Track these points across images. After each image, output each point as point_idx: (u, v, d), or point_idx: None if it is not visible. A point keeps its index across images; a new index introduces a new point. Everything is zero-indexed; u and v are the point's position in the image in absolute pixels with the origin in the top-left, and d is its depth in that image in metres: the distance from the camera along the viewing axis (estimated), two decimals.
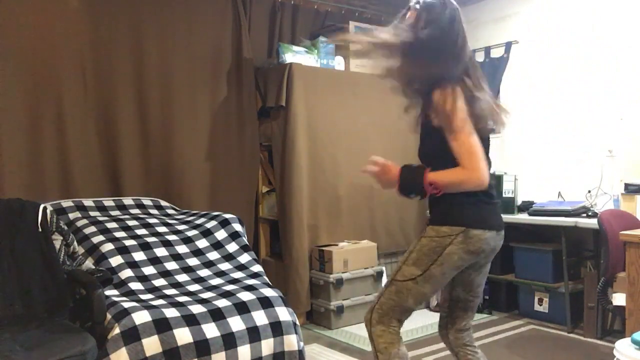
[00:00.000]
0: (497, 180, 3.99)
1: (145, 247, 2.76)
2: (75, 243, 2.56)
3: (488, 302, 4.13)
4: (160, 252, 2.77)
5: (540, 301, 3.87)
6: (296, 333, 2.56)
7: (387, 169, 1.86)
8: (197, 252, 2.88)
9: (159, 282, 2.61)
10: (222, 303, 2.45)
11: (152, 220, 3.03)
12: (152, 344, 2.19)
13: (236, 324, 2.40)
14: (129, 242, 2.74)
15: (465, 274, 1.94)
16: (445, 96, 1.74)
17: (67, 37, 3.26)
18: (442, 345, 3.38)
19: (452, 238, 1.80)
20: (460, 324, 2.04)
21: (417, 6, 1.87)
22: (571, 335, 3.59)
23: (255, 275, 2.80)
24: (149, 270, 2.65)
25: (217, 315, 2.38)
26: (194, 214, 3.26)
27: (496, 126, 1.95)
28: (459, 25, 1.93)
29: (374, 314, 1.91)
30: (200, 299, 2.48)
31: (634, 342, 1.93)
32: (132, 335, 2.16)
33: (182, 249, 2.86)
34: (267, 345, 2.46)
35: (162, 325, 2.23)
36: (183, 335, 2.25)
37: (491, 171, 1.87)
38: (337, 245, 3.95)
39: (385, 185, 1.88)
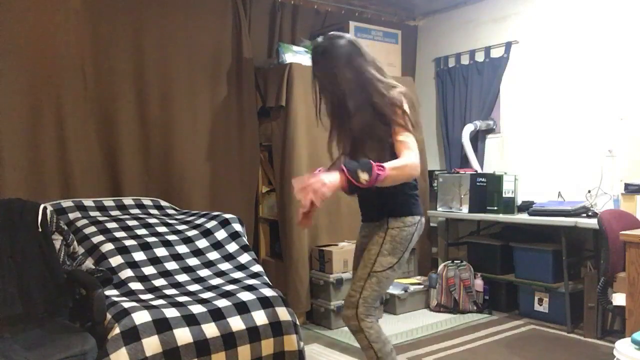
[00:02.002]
0: (497, 180, 4.00)
1: (145, 247, 2.76)
2: (75, 243, 2.56)
3: (488, 302, 4.13)
4: (160, 252, 2.77)
5: (540, 301, 3.87)
6: (296, 333, 2.56)
7: (313, 175, 1.87)
8: (197, 252, 2.88)
9: (159, 282, 2.61)
10: (222, 303, 2.45)
11: (152, 220, 3.03)
12: (152, 344, 2.19)
13: (236, 324, 2.40)
14: (129, 242, 2.74)
15: None
16: (403, 99, 2.02)
17: (67, 37, 3.26)
18: (442, 345, 3.40)
19: (415, 225, 2.12)
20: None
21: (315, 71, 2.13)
22: (571, 335, 3.59)
23: (255, 275, 2.80)
24: (149, 270, 2.65)
25: (217, 315, 2.38)
26: (194, 214, 3.26)
27: None
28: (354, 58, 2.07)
29: (360, 309, 2.07)
30: (200, 299, 2.48)
31: (634, 342, 1.93)
32: (132, 335, 2.16)
33: (182, 249, 2.86)
34: (267, 345, 2.46)
35: (162, 325, 2.23)
36: (183, 335, 2.25)
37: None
38: (337, 245, 3.95)
39: (321, 192, 1.81)
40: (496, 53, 4.44)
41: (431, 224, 4.67)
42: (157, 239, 2.85)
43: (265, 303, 2.54)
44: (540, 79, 4.18)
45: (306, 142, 3.84)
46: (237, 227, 3.08)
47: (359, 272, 2.14)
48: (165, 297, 2.47)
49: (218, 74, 3.90)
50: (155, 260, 2.71)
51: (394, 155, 1.98)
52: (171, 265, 2.73)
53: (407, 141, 1.97)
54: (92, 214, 2.98)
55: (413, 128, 2.00)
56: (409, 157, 1.94)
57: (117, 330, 2.15)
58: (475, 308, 4.09)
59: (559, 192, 4.04)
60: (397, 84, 2.10)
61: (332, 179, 1.83)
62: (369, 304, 2.08)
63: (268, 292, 2.61)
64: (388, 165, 1.88)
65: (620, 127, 3.71)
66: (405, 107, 2.01)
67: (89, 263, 2.61)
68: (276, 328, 2.50)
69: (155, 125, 3.62)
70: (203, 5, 3.81)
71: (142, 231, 2.88)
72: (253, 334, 2.43)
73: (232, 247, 2.97)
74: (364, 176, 1.83)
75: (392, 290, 4.04)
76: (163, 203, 3.40)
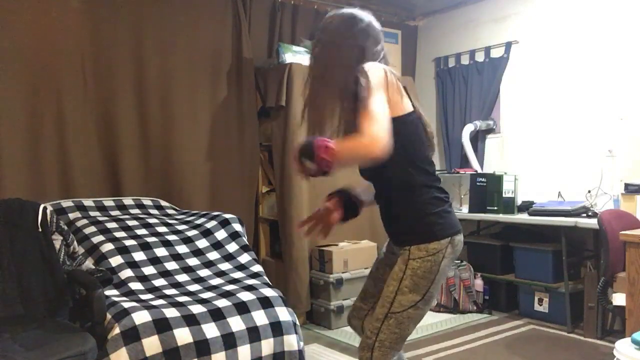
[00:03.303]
0: (497, 180, 4.00)
1: (145, 247, 2.76)
2: (75, 243, 2.56)
3: (488, 302, 4.13)
4: (160, 252, 2.77)
5: (540, 301, 3.87)
6: (296, 333, 2.56)
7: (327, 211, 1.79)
8: (197, 252, 2.88)
9: (159, 282, 2.61)
10: (222, 303, 2.45)
11: (152, 220, 3.03)
12: (152, 344, 2.19)
13: (236, 324, 2.40)
14: (129, 242, 2.74)
15: None
16: (367, 70, 1.64)
17: (67, 37, 3.26)
18: (442, 345, 3.39)
19: (443, 252, 1.72)
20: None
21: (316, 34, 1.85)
22: (571, 335, 3.59)
23: (255, 275, 2.80)
24: (149, 270, 2.65)
25: (217, 315, 2.38)
26: (194, 214, 3.26)
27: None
28: (356, 34, 1.75)
29: (375, 353, 1.73)
30: (200, 299, 2.48)
31: (634, 342, 1.92)
32: (132, 335, 2.16)
33: (182, 249, 2.86)
34: (267, 345, 2.46)
35: (162, 325, 2.23)
36: (183, 335, 2.25)
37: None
38: (337, 245, 3.95)
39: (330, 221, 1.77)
40: (496, 53, 4.44)
41: None
42: (157, 239, 2.85)
43: (265, 303, 2.54)
44: (540, 79, 4.17)
45: None
46: (237, 227, 3.08)
47: (377, 310, 1.76)
48: (165, 297, 2.47)
49: (218, 74, 3.89)
50: (155, 260, 2.72)
51: (405, 153, 1.68)
52: (171, 265, 2.73)
53: (365, 117, 1.53)
54: (92, 214, 2.98)
55: (373, 100, 1.57)
56: (370, 138, 1.49)
57: (117, 330, 2.15)
58: (475, 308, 4.09)
59: (559, 192, 4.03)
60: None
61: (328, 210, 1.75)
62: (387, 347, 1.72)
63: (268, 292, 2.61)
64: (342, 147, 1.52)
65: (620, 127, 3.71)
66: (372, 76, 1.62)
67: (89, 263, 2.61)
68: (276, 328, 2.50)
69: (155, 125, 3.62)
70: (203, 5, 3.81)
71: (142, 231, 2.88)
72: (253, 334, 2.43)
73: (232, 247, 2.97)
74: (309, 165, 1.52)
75: None
76: (163, 203, 3.40)
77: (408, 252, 1.72)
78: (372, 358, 1.73)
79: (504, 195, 3.97)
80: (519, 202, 4.04)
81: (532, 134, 4.24)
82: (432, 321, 3.89)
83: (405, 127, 1.68)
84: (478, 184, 4.08)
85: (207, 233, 3.00)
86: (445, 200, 1.78)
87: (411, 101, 1.74)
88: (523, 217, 3.86)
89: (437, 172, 1.84)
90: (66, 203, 2.99)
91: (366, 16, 1.79)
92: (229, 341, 2.35)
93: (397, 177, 1.73)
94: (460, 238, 1.78)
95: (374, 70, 1.64)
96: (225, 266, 2.85)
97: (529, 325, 3.81)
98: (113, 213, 3.08)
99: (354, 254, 3.88)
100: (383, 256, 2.02)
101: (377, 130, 1.51)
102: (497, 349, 3.34)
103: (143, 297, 2.44)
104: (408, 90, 1.76)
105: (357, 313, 2.00)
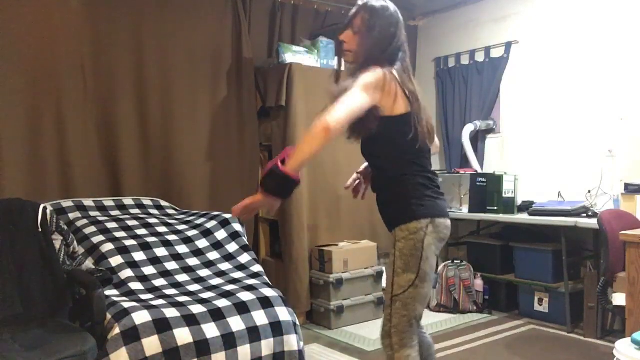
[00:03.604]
0: (497, 180, 3.99)
1: (145, 247, 2.76)
2: (75, 243, 2.56)
3: (488, 302, 4.13)
4: (160, 252, 2.77)
5: (540, 301, 3.87)
6: (296, 333, 2.56)
7: (249, 206, 1.73)
8: (197, 252, 2.88)
9: (159, 282, 2.61)
10: (222, 303, 2.45)
11: (152, 220, 3.03)
12: (152, 344, 2.19)
13: (236, 324, 2.40)
14: (129, 242, 2.74)
15: None
16: (363, 73, 1.79)
17: (67, 37, 3.26)
18: (442, 345, 3.39)
19: (424, 230, 1.83)
20: None
21: (362, 10, 1.93)
22: (571, 335, 3.59)
23: (255, 275, 2.80)
24: (149, 270, 2.65)
25: (217, 315, 2.38)
26: (194, 214, 3.26)
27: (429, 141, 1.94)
28: (395, 29, 1.92)
29: (394, 339, 1.87)
30: (200, 299, 2.48)
31: (634, 342, 1.92)
32: (132, 335, 2.16)
33: (182, 249, 2.86)
34: (267, 345, 2.46)
35: (162, 325, 2.23)
36: (183, 335, 2.25)
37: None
38: (337, 245, 3.95)
39: (261, 204, 1.73)
40: (496, 53, 4.44)
41: None
42: (157, 239, 2.85)
43: (265, 303, 2.54)
44: (540, 79, 4.17)
45: None
46: (237, 227, 3.08)
47: (385, 299, 1.93)
48: (165, 297, 2.47)
49: (218, 74, 3.89)
50: (155, 260, 2.72)
51: (395, 148, 1.85)
52: (171, 265, 2.73)
53: (338, 102, 1.73)
54: (92, 214, 2.98)
55: (348, 96, 1.73)
56: (321, 120, 1.68)
57: (117, 330, 2.15)
58: (475, 308, 4.09)
59: (559, 192, 4.03)
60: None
61: (254, 198, 1.71)
62: (402, 331, 1.85)
63: (268, 292, 2.61)
64: (297, 145, 1.72)
65: (620, 127, 3.71)
66: (363, 79, 1.77)
67: (89, 263, 2.61)
68: (276, 328, 2.50)
69: (155, 125, 3.62)
70: (203, 5, 3.81)
71: (142, 231, 2.88)
72: (253, 334, 2.43)
73: (232, 247, 2.97)
74: (269, 186, 1.69)
75: None
76: (163, 203, 3.40)
77: (395, 236, 1.88)
78: (392, 344, 1.87)
79: (504, 195, 3.97)
80: (519, 202, 4.04)
81: (532, 134, 4.24)
82: (432, 321, 3.89)
83: (397, 125, 1.84)
84: (478, 184, 4.08)
85: (207, 233, 3.00)
86: (430, 187, 1.90)
87: (410, 102, 1.85)
88: (523, 217, 3.86)
89: (434, 170, 1.98)
90: (66, 203, 2.99)
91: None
92: (229, 341, 2.35)
93: (387, 167, 1.91)
94: (443, 222, 1.89)
95: (370, 72, 1.79)
96: (225, 266, 2.85)
97: (529, 325, 3.81)
98: (113, 213, 3.08)
99: (354, 254, 3.88)
100: None
101: (330, 117, 1.69)
102: (497, 349, 3.34)
103: (143, 297, 2.44)
104: (415, 90, 1.88)
105: None
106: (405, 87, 1.86)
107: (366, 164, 2.12)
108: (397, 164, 1.89)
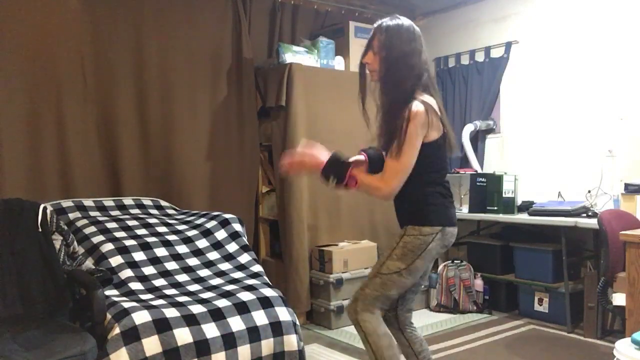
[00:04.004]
0: (497, 180, 4.00)
1: (145, 247, 2.76)
2: (75, 243, 2.56)
3: (488, 302, 4.13)
4: (160, 252, 2.77)
5: (540, 301, 3.87)
6: (296, 333, 2.56)
7: (312, 146, 2.09)
8: (197, 252, 2.88)
9: (159, 282, 2.61)
10: (222, 303, 2.45)
11: (152, 220, 3.03)
12: (152, 344, 2.19)
13: (236, 324, 2.40)
14: (129, 242, 2.74)
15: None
16: (409, 119, 1.95)
17: (67, 37, 3.26)
18: (442, 345, 3.39)
19: (433, 236, 2.05)
20: (410, 305, 2.30)
21: (377, 32, 2.09)
22: (571, 335, 3.59)
23: (255, 275, 2.80)
24: (149, 270, 2.65)
25: (217, 315, 2.38)
26: (194, 214, 3.26)
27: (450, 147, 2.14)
28: (414, 43, 2.07)
29: (358, 304, 2.10)
30: (200, 299, 2.48)
31: (634, 342, 1.92)
32: (132, 335, 2.16)
33: (182, 249, 2.86)
34: (267, 345, 2.46)
35: (162, 325, 2.23)
36: (183, 335, 2.25)
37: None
38: (337, 245, 3.95)
39: (310, 165, 2.07)
40: (496, 53, 4.44)
41: None
42: (157, 239, 2.85)
43: (265, 303, 2.54)
44: (540, 79, 4.17)
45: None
46: (237, 227, 3.08)
47: (370, 272, 2.16)
48: (165, 297, 2.47)
49: (218, 74, 3.90)
50: (155, 260, 2.71)
51: (422, 163, 2.01)
52: (171, 265, 2.73)
53: (393, 167, 1.98)
54: (92, 214, 2.98)
55: (403, 155, 1.96)
56: (385, 186, 1.99)
57: (117, 330, 2.15)
58: (475, 308, 4.09)
59: (559, 192, 4.03)
60: (426, 95, 2.04)
61: (315, 164, 2.05)
62: (368, 302, 2.09)
63: (268, 292, 2.61)
64: (362, 181, 2.02)
65: (620, 127, 3.71)
66: (414, 124, 1.95)
67: (89, 263, 2.61)
68: (276, 328, 2.50)
69: (155, 125, 3.62)
70: (203, 5, 3.81)
71: (142, 231, 2.88)
72: (253, 334, 2.43)
73: (232, 247, 2.97)
74: (332, 183, 2.04)
75: None
76: (163, 203, 3.40)
77: (405, 230, 2.08)
78: (357, 307, 2.10)
79: (504, 195, 3.98)
80: (519, 202, 4.04)
81: (532, 134, 4.24)
82: (432, 321, 3.89)
83: (429, 149, 2.03)
84: (478, 184, 4.08)
85: (207, 233, 3.00)
86: (446, 197, 2.12)
87: (442, 123, 2.05)
88: (523, 217, 3.86)
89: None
90: (66, 203, 2.99)
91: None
92: (229, 341, 2.35)
93: (411, 178, 2.04)
94: (451, 230, 2.11)
95: (416, 119, 1.95)
96: (225, 266, 2.85)
97: (529, 325, 3.81)
98: (113, 213, 3.08)
99: (354, 254, 3.88)
100: None
101: (394, 184, 1.99)
102: (497, 349, 3.34)
103: (143, 297, 2.44)
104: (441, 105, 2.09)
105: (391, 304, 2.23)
106: (440, 112, 2.04)
107: (358, 157, 2.21)
108: (421, 175, 2.04)
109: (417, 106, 1.97)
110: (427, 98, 2.02)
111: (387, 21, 2.07)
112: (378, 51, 2.06)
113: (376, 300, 2.10)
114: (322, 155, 2.07)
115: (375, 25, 2.10)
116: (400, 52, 2.02)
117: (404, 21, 2.07)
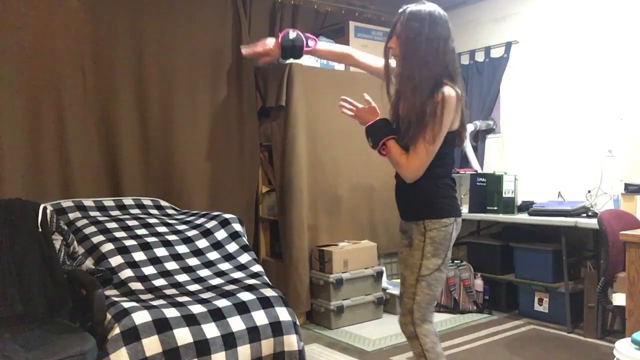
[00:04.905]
0: (497, 180, 3.99)
1: (145, 247, 2.76)
2: (75, 243, 2.56)
3: (488, 302, 4.13)
4: (160, 252, 2.77)
5: (540, 301, 3.87)
6: (296, 333, 2.56)
7: (373, 110, 2.15)
8: (197, 252, 2.88)
9: (159, 282, 2.61)
10: (222, 303, 2.45)
11: (152, 220, 3.03)
12: (152, 344, 2.19)
13: (236, 324, 2.40)
14: (129, 242, 2.74)
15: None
16: (443, 103, 1.95)
17: (67, 37, 3.26)
18: (442, 345, 3.38)
19: (452, 226, 2.09)
20: None
21: (401, 16, 2.06)
22: (571, 335, 3.59)
23: (255, 275, 2.80)
24: (149, 270, 2.65)
25: (217, 315, 2.38)
26: (194, 214, 3.26)
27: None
28: (438, 28, 2.02)
29: (415, 314, 2.07)
30: (200, 298, 2.48)
31: (634, 342, 1.92)
32: (132, 335, 2.16)
33: (182, 249, 2.86)
34: (267, 345, 2.46)
35: (162, 325, 2.23)
36: (183, 335, 2.25)
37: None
38: (337, 245, 3.95)
39: (362, 121, 2.16)
40: (496, 53, 4.44)
41: None
42: (157, 239, 2.85)
43: (265, 303, 2.54)
44: (540, 79, 4.17)
45: (306, 142, 3.84)
46: (237, 227, 3.08)
47: (408, 279, 2.12)
48: (165, 297, 2.47)
49: (218, 74, 3.89)
50: (155, 260, 2.71)
51: (439, 155, 2.03)
52: (171, 265, 2.73)
53: (422, 153, 2.00)
54: (92, 214, 2.98)
55: (437, 139, 1.98)
56: (412, 166, 2.02)
57: (117, 330, 2.15)
58: (475, 308, 4.09)
59: (559, 192, 4.04)
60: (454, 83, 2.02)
61: (366, 121, 2.14)
62: (424, 308, 2.07)
63: (268, 292, 2.61)
64: (392, 154, 2.06)
65: (620, 127, 3.71)
66: (448, 110, 1.96)
67: (89, 263, 2.61)
68: (276, 328, 2.50)
69: (156, 125, 3.61)
70: (203, 5, 3.81)
71: (142, 231, 2.88)
72: (253, 334, 2.43)
73: (232, 247, 2.97)
74: (368, 142, 2.14)
75: (393, 290, 4.04)
76: (163, 203, 3.40)
77: (423, 225, 2.08)
78: (414, 319, 2.07)
79: (504, 195, 3.98)
80: (519, 202, 4.04)
81: (532, 134, 4.24)
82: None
83: (449, 139, 2.06)
84: (478, 184, 4.09)
85: (207, 233, 3.00)
86: (454, 189, 2.17)
87: (462, 114, 2.07)
88: (523, 217, 3.86)
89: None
90: (66, 203, 2.99)
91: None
92: (229, 341, 2.35)
93: (427, 169, 2.06)
94: (460, 221, 2.16)
95: (450, 104, 1.96)
96: (225, 266, 2.85)
97: (529, 325, 3.81)
98: (113, 213, 3.08)
99: (354, 254, 3.88)
100: (400, 238, 2.29)
101: (419, 167, 2.02)
102: (497, 349, 3.34)
103: (143, 297, 2.44)
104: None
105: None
106: (464, 105, 2.06)
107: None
108: (436, 167, 2.06)
109: (449, 91, 1.96)
110: (455, 87, 2.00)
111: (411, 6, 2.03)
112: (399, 35, 2.03)
113: (430, 304, 2.08)
114: (373, 116, 2.14)
115: (400, 10, 2.06)
116: (421, 36, 1.97)
117: (429, 6, 2.02)
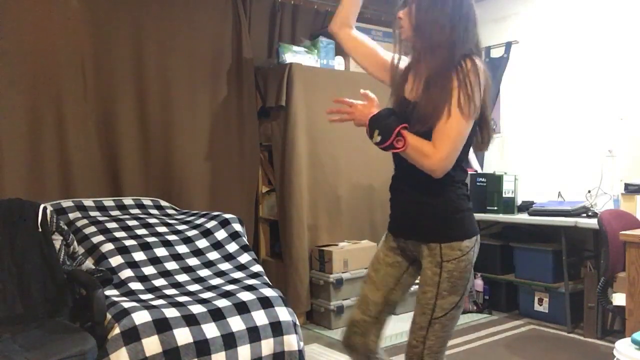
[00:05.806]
0: (497, 180, 3.99)
1: (145, 247, 2.76)
2: (75, 243, 2.56)
3: (488, 302, 4.13)
4: (160, 252, 2.77)
5: (540, 301, 3.87)
6: (296, 333, 2.56)
7: (373, 103, 1.72)
8: (197, 252, 2.88)
9: (159, 282, 2.61)
10: (222, 303, 2.45)
11: (152, 220, 3.03)
12: (152, 344, 2.19)
13: (236, 324, 2.40)
14: (129, 242, 2.74)
15: (415, 277, 1.84)
16: (475, 70, 1.57)
17: (67, 37, 3.26)
18: None
19: (472, 249, 1.71)
20: (385, 327, 1.88)
21: None
22: (571, 335, 3.59)
23: (255, 275, 2.80)
24: (149, 270, 2.65)
25: (217, 315, 2.38)
26: (194, 214, 3.26)
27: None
28: (460, 5, 1.66)
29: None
30: (200, 299, 2.48)
31: (634, 342, 1.92)
32: (132, 335, 2.16)
33: (182, 249, 2.86)
34: (267, 345, 2.46)
35: (162, 325, 2.23)
36: (183, 335, 2.25)
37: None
38: (337, 245, 3.95)
39: (361, 118, 1.71)
40: (496, 53, 4.44)
41: None
42: (157, 239, 2.85)
43: (265, 303, 2.54)
44: (540, 79, 4.17)
45: (306, 142, 3.84)
46: (237, 227, 3.08)
47: (417, 319, 1.71)
48: (165, 297, 2.47)
49: (218, 74, 3.89)
50: (155, 260, 2.71)
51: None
52: (171, 265, 2.73)
53: (454, 133, 1.57)
54: (92, 214, 2.98)
55: (471, 114, 1.57)
56: (442, 152, 1.57)
57: (117, 330, 2.15)
58: (475, 308, 4.09)
59: (559, 192, 4.04)
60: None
61: (365, 114, 1.69)
62: (436, 352, 1.70)
63: (268, 292, 2.61)
64: (411, 143, 1.60)
65: (620, 127, 3.71)
66: (476, 79, 1.57)
67: (89, 263, 2.61)
68: (276, 328, 2.50)
69: (155, 125, 3.61)
70: (203, 5, 3.81)
71: (142, 231, 2.88)
72: (253, 334, 2.43)
73: (232, 247, 2.97)
74: (376, 138, 1.64)
75: None
76: (163, 203, 3.40)
77: (439, 253, 1.67)
78: None
79: (504, 195, 3.98)
80: (519, 202, 4.04)
81: (532, 133, 4.24)
82: None
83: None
84: (478, 184, 4.09)
85: (207, 233, 3.00)
86: (470, 198, 1.79)
87: (486, 104, 1.69)
88: (523, 217, 3.86)
89: None
90: (66, 203, 2.99)
91: None
92: (229, 341, 2.35)
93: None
94: (479, 237, 1.77)
95: (481, 71, 1.59)
96: (225, 266, 2.85)
97: (529, 325, 3.81)
98: (113, 213, 3.08)
99: (354, 254, 3.88)
100: (383, 255, 1.85)
101: (452, 152, 1.58)
102: (497, 349, 3.34)
103: (143, 297, 2.44)
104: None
105: (360, 328, 1.83)
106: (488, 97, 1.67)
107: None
108: (453, 170, 1.66)
109: (479, 61, 1.60)
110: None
111: None
112: (410, 3, 1.67)
113: (443, 346, 1.72)
114: (375, 108, 1.71)
115: None
116: (435, 8, 1.62)
117: None
